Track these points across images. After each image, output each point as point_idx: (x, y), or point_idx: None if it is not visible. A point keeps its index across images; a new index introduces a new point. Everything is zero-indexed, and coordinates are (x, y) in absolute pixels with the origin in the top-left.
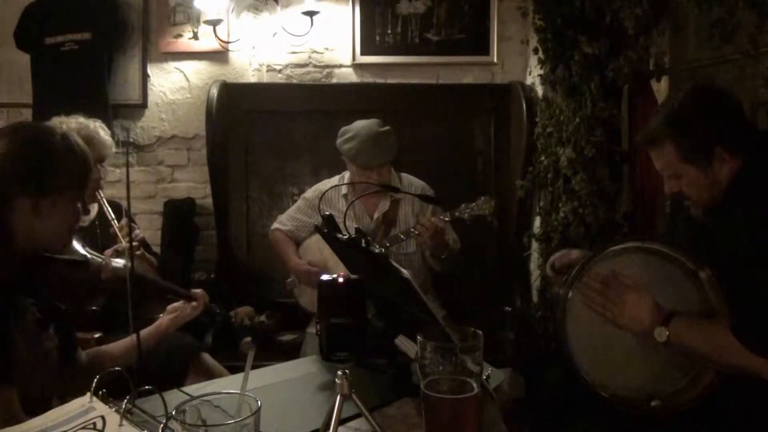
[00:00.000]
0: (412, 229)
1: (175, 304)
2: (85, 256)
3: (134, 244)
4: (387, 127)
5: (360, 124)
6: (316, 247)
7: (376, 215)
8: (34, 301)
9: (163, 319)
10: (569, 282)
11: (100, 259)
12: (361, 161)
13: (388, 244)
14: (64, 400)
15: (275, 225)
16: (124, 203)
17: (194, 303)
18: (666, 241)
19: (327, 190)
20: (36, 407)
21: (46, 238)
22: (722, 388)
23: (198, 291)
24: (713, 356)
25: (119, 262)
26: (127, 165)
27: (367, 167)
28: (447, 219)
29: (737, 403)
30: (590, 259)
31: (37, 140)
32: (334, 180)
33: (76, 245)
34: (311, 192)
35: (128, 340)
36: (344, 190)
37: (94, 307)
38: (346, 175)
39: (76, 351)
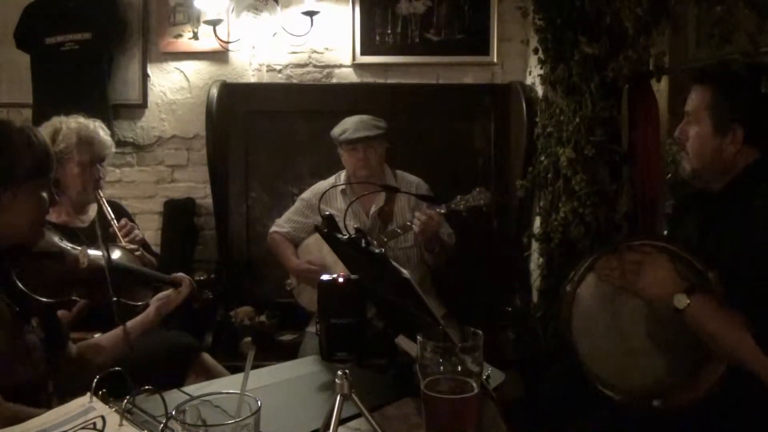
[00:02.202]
0: (408, 223)
1: (163, 293)
2: (61, 247)
3: (133, 246)
4: (380, 120)
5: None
6: (315, 247)
7: (372, 210)
8: (4, 290)
9: (151, 308)
10: (577, 279)
11: (75, 251)
12: (345, 137)
13: (385, 239)
14: (64, 399)
15: (273, 228)
16: (123, 203)
17: (180, 288)
18: (673, 240)
19: (327, 190)
20: (21, 401)
21: (12, 232)
22: (726, 389)
23: (180, 275)
24: (724, 343)
25: (96, 252)
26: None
27: (350, 143)
28: (443, 211)
29: (740, 406)
30: (599, 257)
31: None
32: (331, 180)
33: (54, 238)
34: (308, 193)
35: (118, 331)
36: (342, 187)
37: (72, 298)
38: (342, 174)
39: (65, 344)
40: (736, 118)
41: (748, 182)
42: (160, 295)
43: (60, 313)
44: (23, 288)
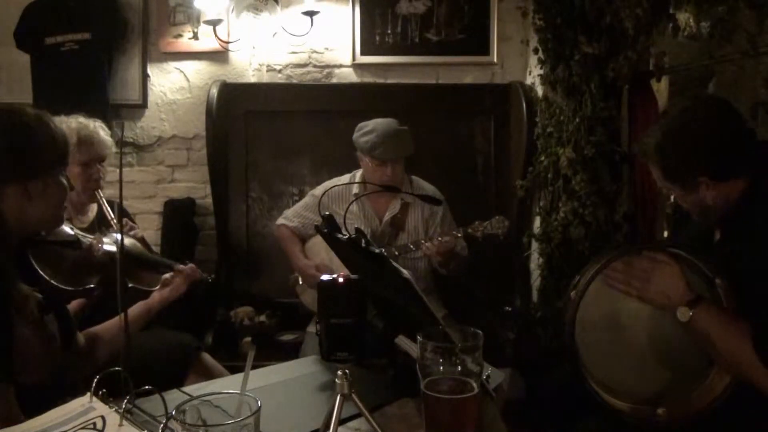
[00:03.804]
0: (422, 241)
1: (166, 276)
2: (75, 235)
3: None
4: (405, 127)
5: (378, 120)
6: (323, 246)
7: (386, 217)
8: (34, 288)
9: (155, 294)
10: (582, 286)
11: (89, 239)
12: (377, 153)
13: (397, 253)
14: (64, 399)
15: (281, 220)
16: (123, 203)
17: (181, 275)
18: (681, 245)
19: (331, 188)
20: (45, 396)
21: (40, 220)
22: (732, 400)
23: (184, 267)
24: (727, 356)
25: (109, 239)
26: (120, 154)
27: (382, 160)
28: (459, 235)
29: (747, 416)
30: (606, 264)
31: (14, 126)
32: (345, 178)
33: (64, 226)
34: (320, 189)
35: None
36: (355, 188)
37: (91, 285)
38: (358, 173)
39: (75, 334)
40: (695, 173)
41: (754, 201)
42: (164, 278)
43: (75, 302)
44: (46, 278)
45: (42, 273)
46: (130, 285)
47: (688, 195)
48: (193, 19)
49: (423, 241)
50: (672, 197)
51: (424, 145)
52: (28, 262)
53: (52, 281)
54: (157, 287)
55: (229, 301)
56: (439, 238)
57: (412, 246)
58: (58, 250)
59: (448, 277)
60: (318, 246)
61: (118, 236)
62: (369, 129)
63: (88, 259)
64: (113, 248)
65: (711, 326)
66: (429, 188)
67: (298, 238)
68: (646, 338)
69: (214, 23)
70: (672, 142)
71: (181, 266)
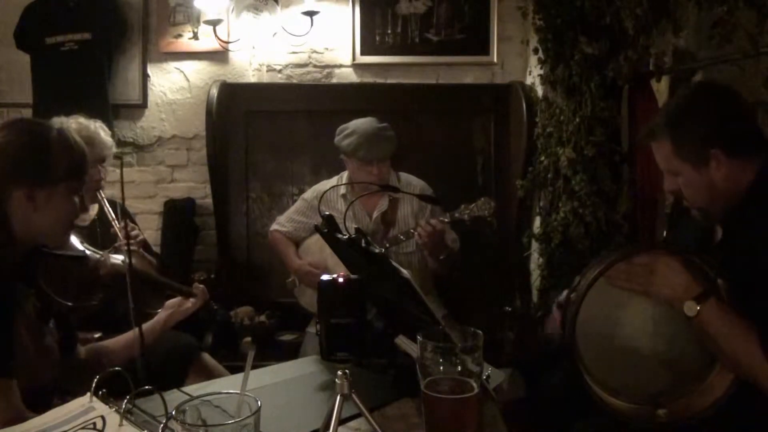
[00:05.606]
0: (412, 231)
1: (173, 300)
2: (84, 251)
3: (132, 243)
4: (385, 124)
5: (358, 121)
6: (317, 247)
7: (375, 214)
8: (33, 291)
9: (161, 315)
10: (583, 287)
11: (98, 255)
12: (362, 155)
13: (387, 245)
14: (64, 399)
15: (274, 226)
16: (124, 203)
17: (192, 299)
18: (682, 245)
19: (326, 191)
20: (38, 402)
21: (44, 232)
22: (734, 401)
23: (199, 286)
24: (732, 353)
25: (118, 258)
26: (122, 164)
27: (367, 161)
28: (447, 220)
29: (749, 418)
30: (610, 264)
31: (33, 132)
32: (333, 180)
33: (75, 241)
34: (310, 193)
35: (128, 336)
36: (343, 190)
37: (93, 302)
38: (345, 175)
39: (75, 347)
40: (707, 144)
41: (759, 196)
42: (170, 302)
43: None
44: (48, 290)
45: (44, 286)
46: (132, 306)
47: (698, 175)
48: (193, 19)
49: (412, 230)
50: (670, 198)
51: (423, 145)
52: (32, 272)
53: (53, 295)
54: (161, 310)
55: (229, 302)
56: (427, 222)
57: (402, 236)
58: (64, 264)
59: (448, 276)
60: (312, 247)
61: (125, 256)
62: (350, 131)
63: (94, 276)
64: (121, 267)
65: (718, 322)
66: (418, 184)
67: (291, 241)
68: (647, 339)
69: (214, 23)
70: (684, 114)
71: (192, 290)
